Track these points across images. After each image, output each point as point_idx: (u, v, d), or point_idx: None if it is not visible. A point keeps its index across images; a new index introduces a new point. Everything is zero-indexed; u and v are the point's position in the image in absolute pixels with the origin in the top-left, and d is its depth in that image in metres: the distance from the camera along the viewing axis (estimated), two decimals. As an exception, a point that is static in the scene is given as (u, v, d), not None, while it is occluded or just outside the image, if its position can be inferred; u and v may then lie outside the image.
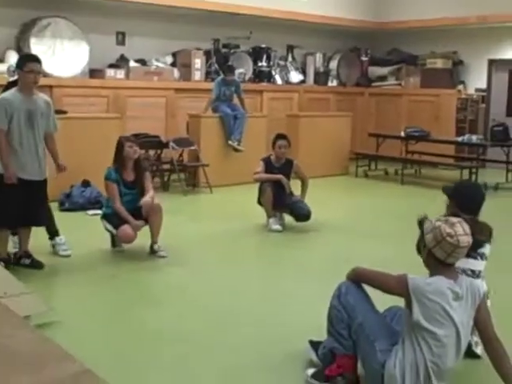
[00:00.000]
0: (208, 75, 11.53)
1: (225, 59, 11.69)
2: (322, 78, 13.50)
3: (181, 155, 9.86)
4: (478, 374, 3.71)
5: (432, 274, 3.20)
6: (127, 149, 5.93)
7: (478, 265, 3.73)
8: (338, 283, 3.52)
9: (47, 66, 9.01)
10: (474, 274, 3.69)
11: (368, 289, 3.45)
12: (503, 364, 3.17)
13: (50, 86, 9.15)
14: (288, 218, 7.30)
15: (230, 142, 10.00)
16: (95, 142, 8.13)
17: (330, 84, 13.63)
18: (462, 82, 13.38)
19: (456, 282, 3.15)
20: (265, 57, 12.43)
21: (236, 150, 10.03)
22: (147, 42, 11.20)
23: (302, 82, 13.17)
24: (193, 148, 9.75)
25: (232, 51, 11.96)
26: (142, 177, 6.00)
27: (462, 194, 3.98)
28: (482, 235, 3.36)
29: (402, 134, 11.64)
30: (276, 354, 3.86)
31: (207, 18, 11.60)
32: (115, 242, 6.11)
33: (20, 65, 5.35)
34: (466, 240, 3.10)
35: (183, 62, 11.40)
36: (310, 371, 3.53)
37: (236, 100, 10.35)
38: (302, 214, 7.11)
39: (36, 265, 5.47)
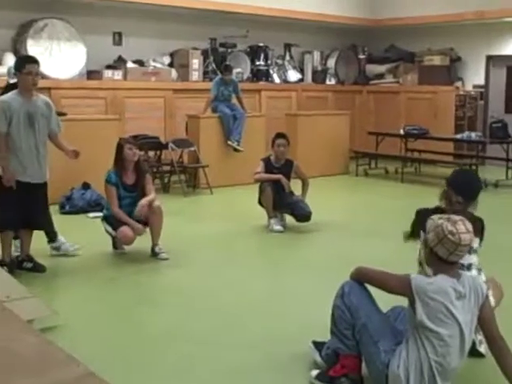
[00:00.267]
0: (206, 75, 11.53)
1: (222, 59, 11.69)
2: (319, 76, 13.50)
3: (180, 156, 9.86)
4: (482, 373, 3.70)
5: (435, 273, 3.20)
6: (127, 151, 5.92)
7: (467, 258, 3.71)
8: (340, 283, 3.51)
9: (44, 67, 8.98)
10: (464, 267, 3.68)
11: (371, 289, 3.45)
12: (507, 362, 3.16)
13: (48, 88, 9.14)
14: (289, 219, 7.29)
15: (229, 143, 9.99)
16: (94, 143, 8.12)
17: (328, 82, 13.62)
18: (460, 79, 13.38)
19: (459, 281, 3.14)
20: (262, 56, 12.43)
21: (236, 150, 10.02)
22: (144, 42, 11.20)
23: (300, 80, 13.17)
24: (192, 149, 9.74)
25: (229, 50, 11.95)
26: (142, 179, 5.99)
27: (457, 177, 4.06)
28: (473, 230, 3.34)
29: (402, 131, 11.65)
30: (280, 355, 3.86)
31: (204, 18, 11.60)
32: (116, 244, 6.10)
33: (18, 67, 5.34)
34: (468, 238, 3.10)
35: (181, 63, 11.40)
36: (314, 373, 3.53)
37: (235, 100, 10.34)
38: (303, 215, 7.11)
39: (38, 268, 5.46)
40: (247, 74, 12.18)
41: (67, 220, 7.26)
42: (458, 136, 11.47)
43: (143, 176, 6.02)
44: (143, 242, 5.97)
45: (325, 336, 3.60)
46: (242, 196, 8.89)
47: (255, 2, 11.59)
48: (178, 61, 11.45)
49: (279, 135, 7.40)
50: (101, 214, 6.44)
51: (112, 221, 5.91)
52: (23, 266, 5.46)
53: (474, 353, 3.69)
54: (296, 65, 13.29)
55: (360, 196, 9.82)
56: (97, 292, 5.10)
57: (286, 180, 7.22)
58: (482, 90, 13.25)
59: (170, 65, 11.42)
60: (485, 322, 3.21)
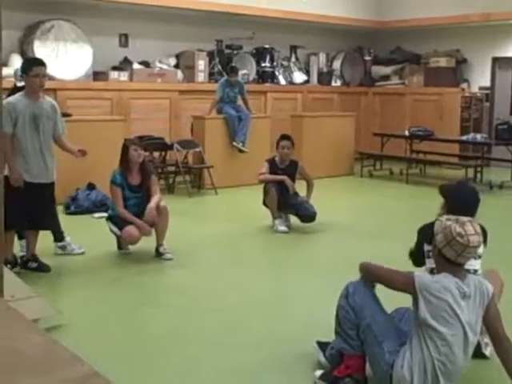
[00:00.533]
0: (211, 76, 11.54)
1: (228, 60, 11.70)
2: (325, 77, 13.50)
3: (185, 157, 9.87)
4: (487, 375, 3.70)
5: (439, 272, 3.20)
6: (132, 152, 5.93)
7: (473, 264, 3.70)
8: (345, 283, 3.51)
9: (51, 69, 8.99)
10: (469, 273, 3.67)
11: (376, 289, 3.45)
12: (513, 364, 3.16)
13: (54, 89, 9.16)
14: (293, 219, 7.30)
15: (234, 144, 10.00)
16: (100, 144, 8.13)
17: (333, 84, 13.62)
18: (466, 81, 13.36)
19: (464, 281, 3.14)
20: (268, 57, 12.44)
21: (241, 151, 10.03)
22: (150, 43, 11.22)
23: (306, 82, 13.17)
24: (197, 150, 9.76)
25: (235, 52, 11.97)
26: (147, 180, 6.00)
27: (455, 199, 3.84)
28: None
29: (407, 133, 11.64)
30: (284, 355, 3.86)
31: (210, 19, 11.62)
32: (121, 244, 6.11)
33: (25, 69, 5.37)
34: (477, 240, 3.08)
35: (186, 64, 11.42)
36: (318, 373, 3.53)
37: (240, 101, 10.35)
38: (308, 215, 7.11)
39: (43, 268, 5.48)
40: (253, 76, 12.19)
41: (72, 220, 7.27)
42: (464, 137, 11.45)
43: (148, 177, 6.02)
44: (147, 243, 5.98)
45: (329, 336, 3.61)
46: (246, 197, 8.89)
47: (261, 4, 11.60)
48: (184, 62, 11.47)
49: (284, 137, 7.40)
50: (106, 215, 6.46)
51: (117, 220, 5.92)
52: (28, 266, 5.47)
53: (479, 355, 3.68)
54: (302, 66, 13.29)
55: (365, 197, 9.81)
56: (101, 292, 5.11)
57: (291, 181, 7.22)
58: (488, 91, 13.23)
59: (176, 66, 11.44)
60: (490, 322, 3.21)
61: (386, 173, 11.65)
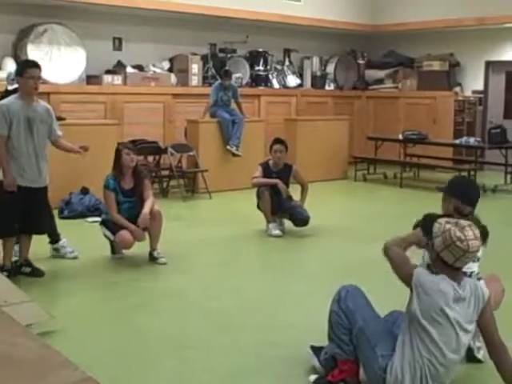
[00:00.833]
0: (205, 80, 11.55)
1: (222, 64, 11.70)
2: (319, 81, 13.51)
3: (179, 161, 9.86)
4: (480, 379, 3.70)
5: (437, 273, 3.19)
6: (125, 156, 5.92)
7: (470, 266, 3.71)
8: (338, 287, 3.52)
9: (44, 72, 8.96)
10: (466, 275, 3.68)
11: (368, 294, 3.45)
12: (507, 368, 3.16)
13: (48, 93, 9.14)
14: (287, 223, 7.30)
15: (228, 147, 10.00)
16: (93, 148, 8.07)
17: (327, 88, 13.64)
18: (459, 84, 13.40)
19: (460, 285, 3.14)
20: (262, 61, 12.45)
21: (234, 155, 10.03)
22: (144, 47, 11.22)
23: (300, 85, 13.19)
24: (191, 154, 9.75)
25: (229, 56, 11.97)
26: (140, 185, 5.98)
27: (458, 185, 4.01)
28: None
29: (400, 136, 11.66)
30: (279, 359, 3.86)
31: (203, 23, 11.63)
32: (115, 248, 6.10)
33: (20, 71, 5.35)
34: (476, 245, 3.07)
35: (180, 68, 11.42)
36: (313, 377, 3.53)
37: (234, 105, 10.35)
38: (301, 219, 7.12)
39: (36, 273, 5.46)
40: (246, 80, 12.20)
41: (66, 225, 7.24)
42: (457, 141, 11.48)
43: (141, 181, 6.01)
44: (141, 247, 5.98)
45: (323, 341, 3.61)
46: (240, 201, 8.89)
47: (255, 8, 11.61)
48: (178, 66, 11.47)
49: (277, 141, 7.40)
50: (99, 219, 6.45)
51: (111, 225, 5.91)
52: (22, 271, 5.45)
53: (471, 359, 3.69)
54: (295, 70, 13.30)
55: (359, 201, 9.83)
56: (95, 296, 5.10)
57: (283, 185, 7.22)
58: (481, 95, 13.28)
59: (170, 70, 11.44)
60: (485, 327, 3.21)
61: (379, 176, 11.67)
